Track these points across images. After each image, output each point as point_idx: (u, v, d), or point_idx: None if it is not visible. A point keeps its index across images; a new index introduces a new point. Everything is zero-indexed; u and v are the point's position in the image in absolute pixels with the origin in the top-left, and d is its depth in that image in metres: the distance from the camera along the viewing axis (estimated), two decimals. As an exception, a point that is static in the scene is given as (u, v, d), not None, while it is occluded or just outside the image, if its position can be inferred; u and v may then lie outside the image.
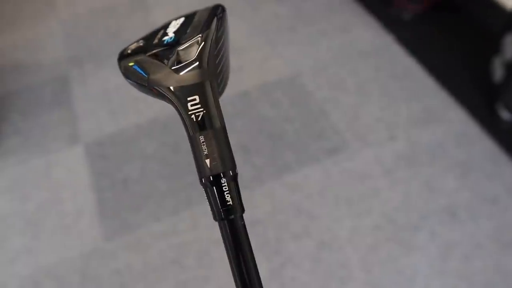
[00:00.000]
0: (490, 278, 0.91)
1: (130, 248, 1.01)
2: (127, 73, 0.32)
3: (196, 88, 0.29)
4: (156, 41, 0.33)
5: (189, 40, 0.30)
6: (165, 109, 1.27)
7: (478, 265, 0.92)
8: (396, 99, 1.23)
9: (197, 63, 0.30)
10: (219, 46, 0.32)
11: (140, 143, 1.20)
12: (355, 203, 1.03)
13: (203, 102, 0.29)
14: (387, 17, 1.44)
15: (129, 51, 0.34)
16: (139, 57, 0.32)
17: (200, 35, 0.30)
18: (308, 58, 1.37)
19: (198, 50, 0.30)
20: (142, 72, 0.31)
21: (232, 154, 0.30)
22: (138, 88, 0.32)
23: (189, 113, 0.29)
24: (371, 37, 1.40)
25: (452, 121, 1.16)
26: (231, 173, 0.29)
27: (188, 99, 0.29)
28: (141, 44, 0.34)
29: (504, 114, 1.11)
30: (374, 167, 1.09)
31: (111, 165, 1.16)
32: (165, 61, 0.30)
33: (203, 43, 0.30)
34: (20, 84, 1.41)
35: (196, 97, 0.29)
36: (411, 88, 1.25)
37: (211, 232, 1.01)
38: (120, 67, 0.34)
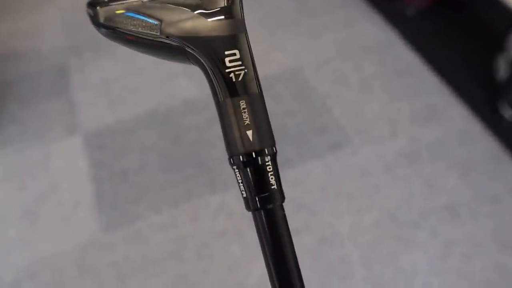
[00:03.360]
0: (489, 277, 0.90)
1: (128, 240, 1.00)
2: (112, 24, 0.26)
3: (234, 40, 0.24)
4: None
5: None
6: (166, 100, 1.25)
7: (478, 264, 0.92)
8: (398, 95, 1.22)
9: (232, 11, 0.24)
10: None
11: (140, 134, 1.19)
12: (356, 199, 1.03)
13: (244, 59, 0.24)
14: (391, 12, 1.43)
15: None
16: (134, 3, 0.26)
17: None
18: (311, 52, 1.35)
19: None
20: (147, 19, 0.25)
21: (271, 127, 0.25)
22: (132, 44, 0.26)
23: (228, 70, 0.23)
24: (374, 32, 1.39)
25: (455, 119, 1.15)
26: (274, 150, 0.24)
27: (226, 53, 0.24)
28: None
29: (507, 113, 1.11)
30: (375, 163, 1.08)
31: (109, 156, 1.15)
32: (183, 7, 0.24)
33: None
34: (18, 72, 1.39)
35: (236, 51, 0.24)
36: (414, 85, 1.24)
37: (211, 225, 1.00)
38: (95, 16, 0.27)
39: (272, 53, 1.36)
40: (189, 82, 1.29)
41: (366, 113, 1.19)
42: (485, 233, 0.96)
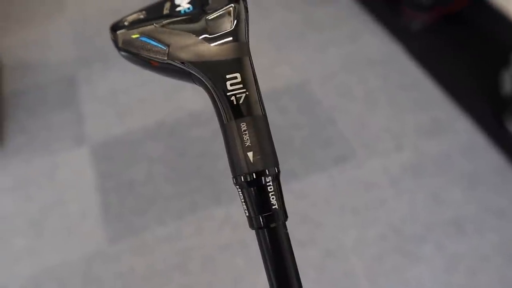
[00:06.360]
0: (495, 292, 0.90)
1: (133, 251, 1.00)
2: (128, 48, 0.27)
3: (235, 64, 0.25)
4: (166, 11, 0.28)
5: (219, 10, 0.25)
6: (173, 112, 1.27)
7: (484, 278, 0.92)
8: (403, 109, 1.22)
9: (235, 35, 0.25)
10: (248, 19, 0.27)
11: (147, 146, 1.20)
12: (361, 212, 1.03)
13: (245, 82, 0.24)
14: (396, 27, 1.44)
15: (126, 23, 0.29)
16: (147, 28, 0.27)
17: (232, 4, 0.25)
18: (317, 66, 1.37)
19: (236, 21, 0.25)
20: (157, 44, 0.26)
21: (274, 148, 0.25)
22: (145, 65, 0.27)
23: (228, 94, 0.24)
24: (379, 46, 1.40)
25: (459, 133, 1.15)
26: (276, 170, 0.25)
27: (227, 76, 0.24)
28: (144, 16, 0.29)
29: (512, 127, 1.11)
30: (380, 177, 1.08)
31: (116, 167, 1.16)
32: (189, 32, 0.26)
33: (238, 13, 0.25)
34: (27, 83, 1.40)
35: (237, 75, 0.24)
36: (419, 98, 1.25)
37: (216, 237, 1.01)
38: (116, 40, 0.28)
39: (279, 67, 1.37)
40: (195, 94, 1.30)
41: (371, 126, 1.20)
42: (490, 247, 0.96)
